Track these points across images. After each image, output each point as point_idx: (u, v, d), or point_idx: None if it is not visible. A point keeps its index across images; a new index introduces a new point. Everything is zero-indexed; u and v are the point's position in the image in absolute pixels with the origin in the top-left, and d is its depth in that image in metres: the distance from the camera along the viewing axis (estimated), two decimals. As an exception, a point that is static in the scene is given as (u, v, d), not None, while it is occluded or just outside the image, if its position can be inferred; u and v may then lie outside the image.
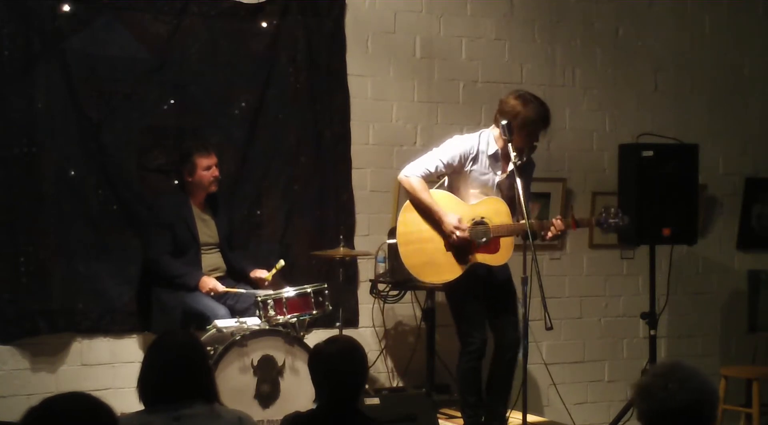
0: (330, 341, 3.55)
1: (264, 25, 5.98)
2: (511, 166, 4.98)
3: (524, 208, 4.75)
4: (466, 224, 5.08)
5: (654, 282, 5.99)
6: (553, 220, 5.11)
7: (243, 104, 5.96)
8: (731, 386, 6.55)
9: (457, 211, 5.13)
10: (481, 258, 5.12)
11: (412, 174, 5.15)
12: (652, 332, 5.92)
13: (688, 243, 6.20)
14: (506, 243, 5.14)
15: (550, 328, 4.57)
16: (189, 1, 5.80)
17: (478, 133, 5.25)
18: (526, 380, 4.75)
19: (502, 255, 5.14)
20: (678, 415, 2.52)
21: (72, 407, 2.35)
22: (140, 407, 3.24)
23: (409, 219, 5.17)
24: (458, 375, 5.30)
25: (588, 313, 6.87)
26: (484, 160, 5.17)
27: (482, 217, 5.13)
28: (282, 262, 5.48)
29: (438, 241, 5.12)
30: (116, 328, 5.67)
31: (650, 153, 5.94)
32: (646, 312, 5.97)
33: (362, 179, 6.25)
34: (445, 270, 5.14)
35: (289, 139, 6.06)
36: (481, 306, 5.17)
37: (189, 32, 5.82)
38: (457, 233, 5.05)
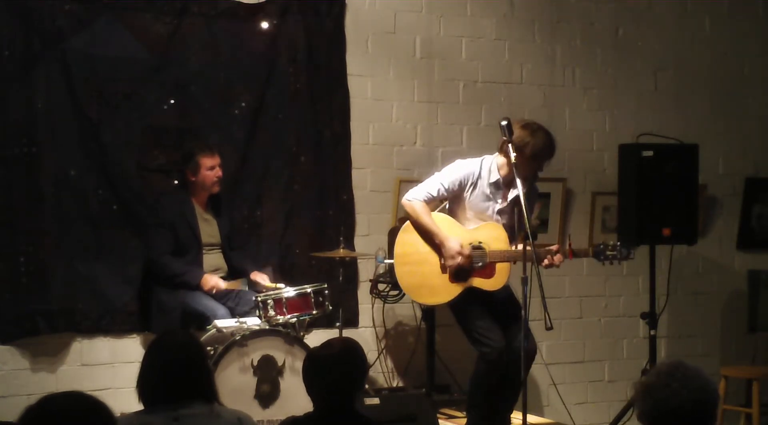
0: (326, 345, 3.45)
1: (264, 25, 5.98)
2: (512, 194, 4.97)
3: (527, 223, 4.69)
4: (467, 250, 5.09)
5: (654, 282, 5.99)
6: (552, 255, 5.08)
7: (243, 104, 5.95)
8: (731, 386, 6.55)
9: (456, 235, 5.14)
10: (476, 282, 5.14)
11: (414, 198, 5.17)
12: (652, 332, 5.92)
13: (688, 243, 6.20)
14: (502, 268, 5.16)
15: (550, 328, 4.57)
16: (189, 1, 5.80)
17: (480, 159, 5.23)
18: (526, 380, 4.75)
19: (498, 280, 5.16)
20: (680, 414, 2.52)
21: (70, 406, 2.35)
22: (140, 407, 3.24)
23: (407, 241, 5.20)
24: (471, 377, 5.27)
25: (588, 313, 6.87)
26: (484, 187, 5.17)
27: (480, 242, 5.14)
28: (282, 286, 5.42)
29: (434, 264, 5.14)
30: (116, 328, 5.67)
31: (650, 153, 5.94)
32: (646, 312, 5.97)
33: (362, 179, 6.25)
34: (440, 292, 5.17)
35: (289, 139, 6.06)
36: (486, 313, 5.16)
37: (189, 32, 5.82)
38: (459, 259, 5.06)
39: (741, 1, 7.33)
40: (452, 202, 5.26)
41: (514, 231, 5.11)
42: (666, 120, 6.89)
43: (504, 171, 5.11)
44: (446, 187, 5.16)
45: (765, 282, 7.02)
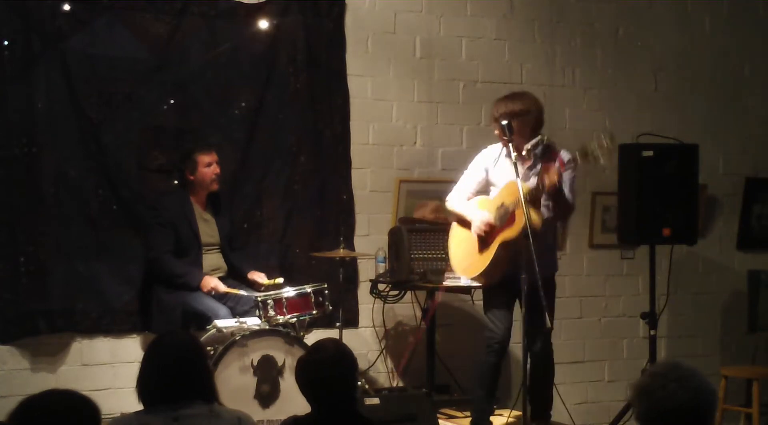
0: (314, 350, 3.44)
1: (264, 25, 5.98)
2: (530, 160, 5.05)
3: (522, 202, 4.71)
4: (492, 217, 5.12)
5: (654, 282, 5.98)
6: (544, 174, 4.96)
7: (243, 104, 5.96)
8: (731, 386, 6.54)
9: (485, 207, 5.19)
10: (501, 237, 5.08)
11: (450, 198, 5.32)
12: (652, 332, 5.91)
13: (688, 243, 6.19)
14: (519, 213, 5.08)
15: (550, 328, 4.56)
16: (189, 1, 5.80)
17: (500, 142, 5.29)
18: (526, 380, 4.75)
19: (517, 224, 5.01)
20: (677, 415, 2.51)
21: (52, 405, 2.35)
22: (140, 407, 3.24)
23: (454, 234, 5.35)
24: (475, 368, 5.32)
25: (588, 313, 6.87)
26: (504, 161, 5.18)
27: (502, 202, 5.15)
28: (281, 280, 5.48)
29: (473, 242, 5.18)
30: (116, 328, 5.67)
31: (650, 153, 5.93)
32: (646, 312, 5.96)
33: (362, 179, 6.25)
34: (476, 263, 5.19)
35: (289, 139, 6.06)
36: (504, 302, 5.17)
37: (189, 32, 5.82)
38: (485, 227, 5.09)
39: (741, 1, 7.34)
40: (487, 189, 5.32)
41: (538, 200, 5.08)
42: (666, 120, 6.89)
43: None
44: (474, 176, 5.26)
45: (765, 282, 7.02)
